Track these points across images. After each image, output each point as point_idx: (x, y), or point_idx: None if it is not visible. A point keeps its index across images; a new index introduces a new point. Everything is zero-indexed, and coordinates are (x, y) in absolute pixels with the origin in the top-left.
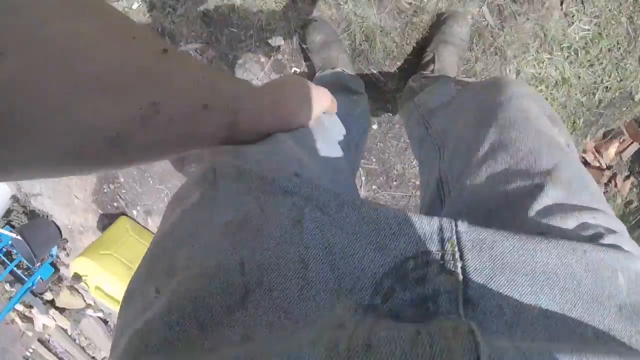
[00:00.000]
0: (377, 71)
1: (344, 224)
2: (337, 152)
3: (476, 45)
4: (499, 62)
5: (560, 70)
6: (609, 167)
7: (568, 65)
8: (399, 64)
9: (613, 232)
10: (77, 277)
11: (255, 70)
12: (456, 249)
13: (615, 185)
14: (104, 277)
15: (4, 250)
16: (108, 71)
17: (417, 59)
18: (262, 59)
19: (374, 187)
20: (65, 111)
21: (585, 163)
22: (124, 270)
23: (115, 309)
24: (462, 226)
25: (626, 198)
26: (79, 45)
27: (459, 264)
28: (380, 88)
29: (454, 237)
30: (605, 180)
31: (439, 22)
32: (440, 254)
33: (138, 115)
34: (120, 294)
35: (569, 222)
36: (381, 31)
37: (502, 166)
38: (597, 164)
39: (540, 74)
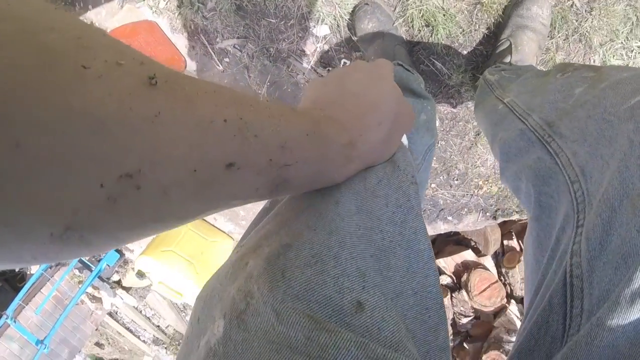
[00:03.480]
0: (439, 62)
1: None
2: (413, 211)
3: (558, 32)
4: (582, 50)
5: None
6: None
7: None
8: (465, 53)
9: None
10: (141, 274)
11: (300, 65)
12: None
13: None
14: (166, 272)
15: None
16: (35, 133)
17: (488, 48)
18: (307, 51)
19: (433, 185)
20: None
21: None
22: (184, 265)
23: (179, 300)
24: None
25: None
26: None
27: None
28: (442, 81)
29: None
30: None
31: (515, 2)
32: None
33: (101, 198)
34: (182, 287)
35: None
36: (444, 15)
37: None
38: None
39: (627, 65)
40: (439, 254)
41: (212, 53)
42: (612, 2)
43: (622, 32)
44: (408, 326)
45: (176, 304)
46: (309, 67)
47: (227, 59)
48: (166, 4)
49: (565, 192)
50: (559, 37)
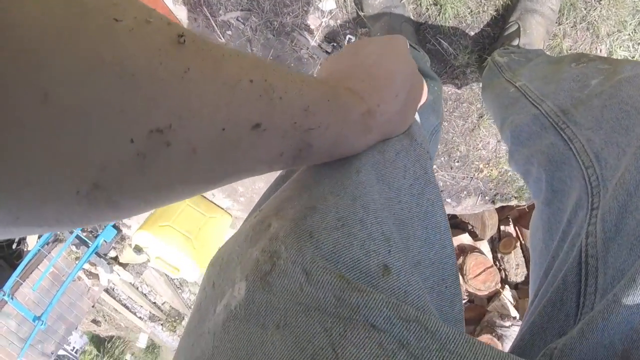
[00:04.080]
0: (445, 42)
1: None
2: (431, 183)
3: (566, 19)
4: (589, 39)
5: None
6: None
7: None
8: (472, 34)
9: None
10: (138, 249)
11: (304, 39)
12: None
13: None
14: (163, 248)
15: None
16: (66, 84)
17: (495, 30)
18: (312, 26)
19: (434, 166)
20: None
21: None
22: (182, 240)
23: (175, 275)
24: None
25: None
26: (11, 42)
27: None
28: (448, 61)
29: None
30: None
31: None
32: None
33: (130, 154)
34: (179, 263)
35: None
36: None
37: None
38: None
39: (634, 57)
40: None
41: (215, 25)
42: None
43: (630, 24)
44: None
45: (173, 280)
46: (313, 42)
47: (229, 32)
48: None
49: (579, 177)
50: (567, 23)
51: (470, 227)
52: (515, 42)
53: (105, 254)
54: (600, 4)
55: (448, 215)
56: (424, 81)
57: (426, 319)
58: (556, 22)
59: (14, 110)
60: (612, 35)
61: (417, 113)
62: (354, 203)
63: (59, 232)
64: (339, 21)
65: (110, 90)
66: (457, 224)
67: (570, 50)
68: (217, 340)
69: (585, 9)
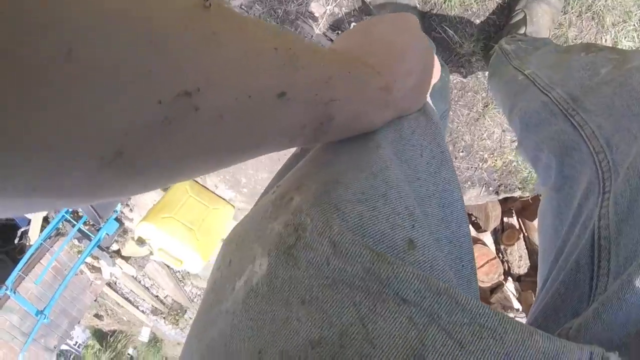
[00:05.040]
0: (451, 30)
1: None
2: (446, 162)
3: (572, 8)
4: (595, 29)
5: None
6: None
7: None
8: (478, 22)
9: None
10: (141, 241)
11: (308, 27)
12: None
13: None
14: (166, 239)
15: (70, 210)
16: (90, 41)
17: (501, 18)
18: (316, 14)
19: None
20: (21, 119)
21: None
22: (185, 232)
23: (178, 268)
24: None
25: None
26: None
27: None
28: (453, 50)
29: None
30: None
31: None
32: None
33: (158, 118)
34: (182, 254)
35: None
36: None
37: None
38: None
39: (638, 47)
40: None
41: None
42: None
43: (636, 14)
44: None
45: (175, 273)
46: (318, 30)
47: None
48: None
49: (589, 163)
50: (573, 13)
51: (473, 219)
52: (522, 31)
53: (108, 247)
54: None
55: None
56: (437, 59)
57: (456, 292)
58: (562, 11)
59: (37, 65)
60: (617, 25)
61: (428, 96)
62: (375, 177)
63: (60, 225)
64: (343, 9)
65: (138, 50)
66: None
67: (576, 39)
68: (236, 317)
69: None
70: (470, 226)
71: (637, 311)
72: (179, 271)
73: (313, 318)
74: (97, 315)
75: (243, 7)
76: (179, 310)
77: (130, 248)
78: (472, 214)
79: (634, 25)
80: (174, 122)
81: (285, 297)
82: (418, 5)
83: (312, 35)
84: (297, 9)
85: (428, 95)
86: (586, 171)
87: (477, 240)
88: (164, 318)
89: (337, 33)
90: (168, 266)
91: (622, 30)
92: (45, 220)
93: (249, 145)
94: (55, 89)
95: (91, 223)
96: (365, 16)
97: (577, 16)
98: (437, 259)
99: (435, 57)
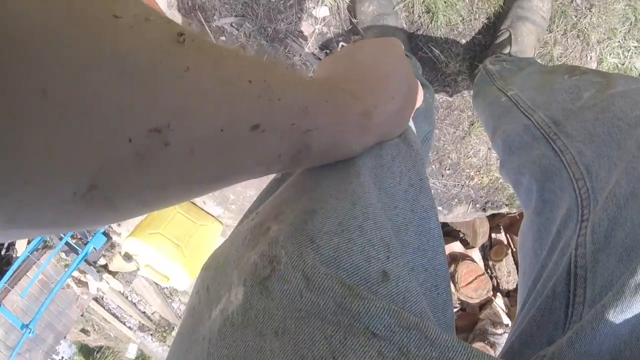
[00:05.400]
0: (437, 49)
1: None
2: (424, 189)
3: (557, 26)
4: (580, 46)
5: None
6: None
7: None
8: (464, 42)
9: None
10: (128, 256)
11: (297, 46)
12: None
13: None
14: (153, 255)
15: None
16: (64, 81)
17: (487, 38)
18: (305, 33)
19: None
20: None
21: None
22: (172, 248)
23: (165, 284)
24: None
25: None
26: (10, 39)
27: None
28: (440, 69)
29: None
30: None
31: None
32: None
33: (129, 154)
34: (169, 271)
35: None
36: (445, 2)
37: None
38: None
39: (624, 64)
40: None
41: (209, 31)
42: (612, 0)
43: (620, 31)
44: None
45: (163, 289)
46: (307, 49)
47: (223, 38)
48: None
49: (569, 189)
50: (558, 31)
51: (461, 235)
52: (507, 50)
53: (95, 262)
54: (590, 11)
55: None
56: (419, 84)
57: (426, 326)
58: (547, 30)
59: (13, 105)
60: (602, 43)
61: (411, 120)
62: (353, 207)
63: (48, 238)
64: (332, 28)
65: (110, 87)
66: (449, 232)
67: (561, 57)
68: (212, 346)
69: (575, 16)
70: (459, 243)
71: (611, 341)
72: (166, 287)
73: (285, 350)
74: (83, 331)
75: (234, 25)
76: (166, 327)
77: (117, 263)
78: (460, 231)
79: (619, 42)
80: (145, 157)
81: (259, 328)
82: (405, 26)
83: (300, 54)
84: (287, 27)
85: (411, 120)
86: (566, 197)
87: (465, 257)
88: (151, 335)
89: (326, 52)
90: (156, 282)
91: (607, 47)
92: None
93: (224, 176)
94: (30, 128)
95: (79, 236)
96: (354, 36)
97: (562, 34)
98: (411, 289)
99: (418, 80)
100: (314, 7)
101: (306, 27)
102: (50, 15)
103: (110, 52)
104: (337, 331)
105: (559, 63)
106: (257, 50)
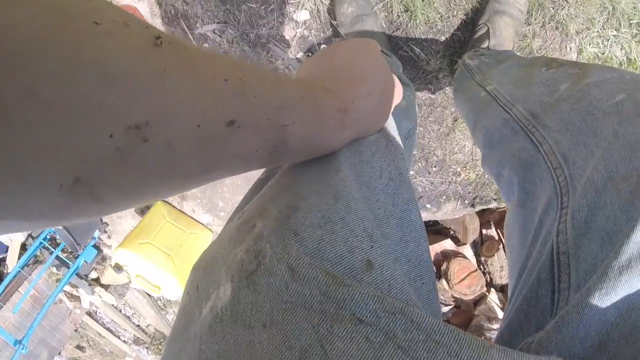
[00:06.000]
0: (417, 47)
1: None
2: (405, 183)
3: (535, 19)
4: (559, 38)
5: (626, 50)
6: None
7: (635, 44)
8: (443, 39)
9: None
10: (118, 267)
11: (280, 51)
12: None
13: None
14: (144, 265)
15: (48, 237)
16: (52, 83)
17: (465, 34)
18: (287, 37)
19: (411, 172)
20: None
21: None
22: (162, 257)
23: (156, 294)
24: None
25: None
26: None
27: None
28: (421, 67)
29: None
30: None
31: None
32: None
33: (110, 149)
34: (160, 281)
35: None
36: (423, 0)
37: None
38: None
39: (603, 53)
40: None
41: (192, 39)
42: None
43: (599, 21)
44: None
45: (156, 301)
46: (289, 53)
47: (206, 44)
48: None
49: (548, 178)
50: (536, 24)
51: (452, 233)
52: (485, 44)
53: (86, 275)
54: (567, 2)
55: (429, 221)
56: (398, 83)
57: (411, 311)
58: (525, 23)
59: (3, 106)
60: (581, 33)
61: (391, 117)
62: (335, 201)
63: (38, 253)
64: (313, 31)
65: (91, 89)
66: (439, 230)
67: (540, 49)
68: (203, 343)
69: (553, 8)
70: (450, 240)
71: (597, 324)
72: (159, 299)
73: (274, 341)
74: (79, 347)
75: (216, 32)
76: (161, 340)
77: (109, 276)
78: (450, 228)
79: (598, 31)
80: (125, 152)
81: (247, 322)
82: (384, 26)
83: (283, 58)
84: (269, 32)
85: (390, 117)
86: (546, 187)
87: (457, 254)
88: (146, 348)
89: (308, 55)
90: (149, 294)
91: (586, 37)
92: (23, 247)
93: (204, 170)
94: (19, 126)
95: (69, 250)
96: (335, 38)
97: (541, 27)
98: (396, 277)
99: (397, 78)
100: (295, 11)
101: (288, 31)
102: (36, 26)
103: (91, 57)
104: (324, 319)
105: (539, 55)
106: (240, 56)
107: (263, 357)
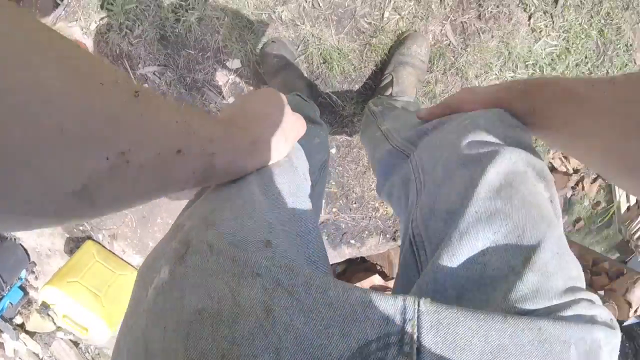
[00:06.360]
0: (334, 95)
1: (312, 308)
2: (304, 198)
3: (436, 67)
4: (459, 82)
5: None
6: (575, 171)
7: None
8: (357, 87)
9: (577, 302)
10: (45, 306)
11: (213, 94)
12: (415, 329)
13: (583, 189)
14: (71, 305)
15: None
16: (74, 122)
17: (376, 82)
18: (220, 82)
19: (334, 209)
20: (28, 166)
21: (552, 169)
22: (90, 297)
23: (83, 336)
24: (425, 305)
25: (594, 200)
26: (42, 96)
27: (415, 346)
28: (338, 112)
29: (415, 317)
30: (572, 184)
31: (398, 42)
32: (400, 335)
33: (106, 167)
34: (87, 322)
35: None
36: (339, 53)
37: (482, 243)
38: (564, 169)
39: None
40: (350, 282)
41: (133, 78)
42: (486, 39)
43: (496, 65)
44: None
45: (85, 354)
46: (221, 97)
47: (146, 85)
48: (97, 26)
49: (414, 187)
50: (438, 71)
51: (379, 268)
52: (389, 92)
53: (11, 318)
54: (466, 51)
55: (357, 259)
56: (301, 120)
57: (293, 265)
58: (427, 71)
59: (44, 138)
60: (480, 77)
61: (299, 147)
62: (244, 205)
63: None
64: (243, 79)
65: (97, 126)
66: (368, 267)
67: (443, 93)
68: (149, 314)
69: (453, 57)
70: (378, 275)
71: (450, 280)
72: (87, 351)
73: (198, 295)
74: None
75: (156, 73)
76: None
77: (34, 321)
78: (377, 264)
79: (496, 74)
80: (114, 169)
81: (180, 287)
82: (306, 75)
83: (215, 102)
84: (204, 77)
85: (297, 145)
86: (414, 194)
87: (385, 288)
88: None
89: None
90: (77, 345)
91: (485, 80)
92: None
93: (162, 185)
94: (51, 150)
95: None
96: (261, 84)
97: (443, 74)
98: (289, 251)
99: (306, 118)
100: (228, 59)
101: (221, 77)
102: (59, 86)
103: (99, 107)
104: (233, 278)
105: (441, 99)
106: (176, 98)
107: (190, 308)
